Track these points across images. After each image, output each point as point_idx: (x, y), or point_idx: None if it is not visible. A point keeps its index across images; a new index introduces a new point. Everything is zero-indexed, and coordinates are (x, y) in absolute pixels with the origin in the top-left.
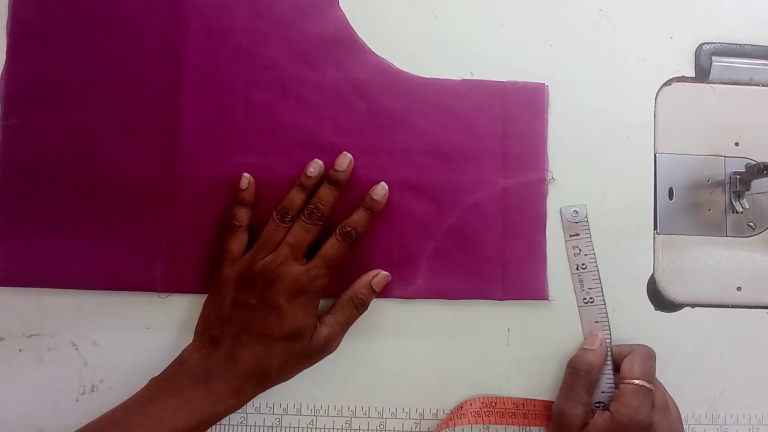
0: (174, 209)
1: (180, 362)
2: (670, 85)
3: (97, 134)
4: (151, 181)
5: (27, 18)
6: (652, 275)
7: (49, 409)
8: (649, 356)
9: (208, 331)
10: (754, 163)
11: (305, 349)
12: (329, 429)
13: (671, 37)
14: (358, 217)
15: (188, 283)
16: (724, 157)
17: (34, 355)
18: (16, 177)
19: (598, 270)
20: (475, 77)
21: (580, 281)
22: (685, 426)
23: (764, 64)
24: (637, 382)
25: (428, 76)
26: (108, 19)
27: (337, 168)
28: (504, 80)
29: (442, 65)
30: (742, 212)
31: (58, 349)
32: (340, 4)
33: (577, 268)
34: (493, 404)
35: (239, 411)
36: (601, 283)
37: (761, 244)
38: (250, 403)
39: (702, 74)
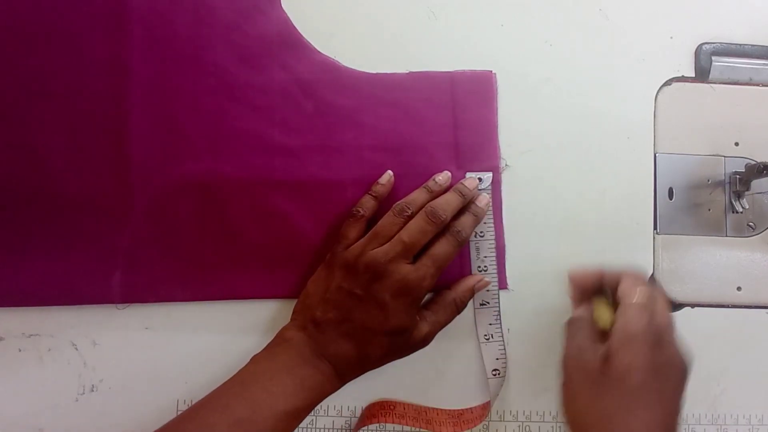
0: (128, 220)
1: (284, 340)
2: (669, 85)
3: (47, 150)
4: (104, 194)
5: None
6: (652, 275)
7: (49, 409)
8: (638, 277)
9: (308, 311)
10: (754, 163)
11: (404, 345)
12: (329, 429)
13: (671, 37)
14: (466, 219)
15: (146, 293)
16: (724, 157)
17: (33, 355)
18: None
19: (499, 307)
20: None
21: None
22: (685, 426)
23: (764, 64)
24: (636, 300)
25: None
26: (51, 35)
27: (469, 186)
28: (452, 70)
29: (441, 65)
30: (742, 212)
31: (57, 349)
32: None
33: (481, 305)
34: (392, 407)
35: None
36: (501, 320)
37: (761, 244)
38: None
39: (702, 74)
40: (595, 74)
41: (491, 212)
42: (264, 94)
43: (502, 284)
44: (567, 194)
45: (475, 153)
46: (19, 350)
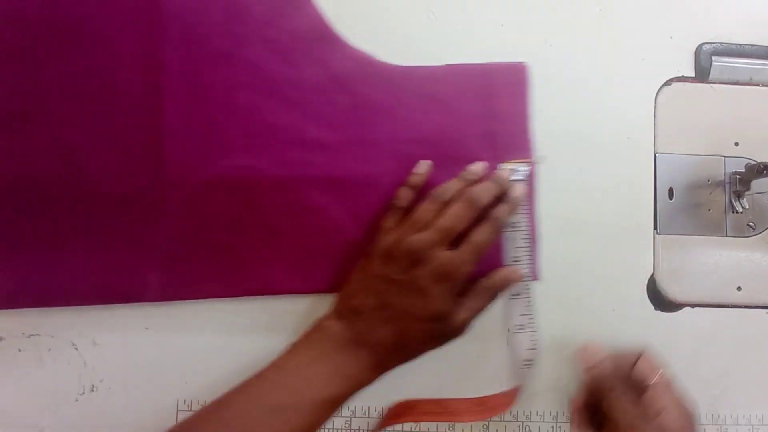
0: (164, 217)
1: (321, 328)
2: (670, 85)
3: (82, 148)
4: (139, 191)
5: (2, 38)
6: (652, 275)
7: (49, 409)
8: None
9: (347, 300)
10: (754, 163)
11: (443, 331)
12: (329, 429)
13: (671, 37)
14: (503, 207)
15: (183, 291)
16: (724, 157)
17: (34, 355)
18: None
19: (531, 298)
20: None
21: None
22: None
23: (764, 64)
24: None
25: None
26: (85, 33)
27: (504, 175)
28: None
29: (439, 65)
30: (742, 212)
31: (57, 349)
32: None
33: (513, 295)
34: (414, 405)
35: None
36: (533, 310)
37: (761, 244)
38: None
39: (702, 74)
40: (595, 74)
41: (525, 203)
42: (298, 89)
43: (535, 275)
44: (567, 194)
45: (510, 144)
46: (19, 350)
